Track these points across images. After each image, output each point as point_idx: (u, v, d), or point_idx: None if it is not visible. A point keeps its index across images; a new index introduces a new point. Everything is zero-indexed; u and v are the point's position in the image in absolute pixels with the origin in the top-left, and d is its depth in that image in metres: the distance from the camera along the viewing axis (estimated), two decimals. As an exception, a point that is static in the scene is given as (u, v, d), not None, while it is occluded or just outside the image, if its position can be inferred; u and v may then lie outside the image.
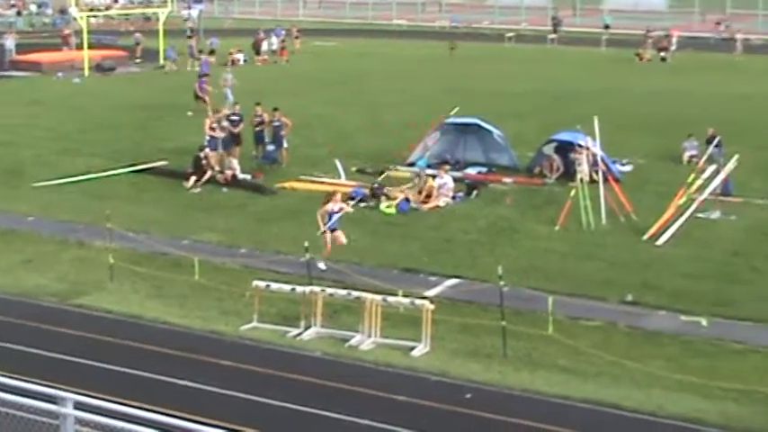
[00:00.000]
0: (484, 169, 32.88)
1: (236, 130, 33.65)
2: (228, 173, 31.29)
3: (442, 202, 28.73)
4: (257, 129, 33.99)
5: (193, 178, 30.85)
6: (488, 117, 35.49)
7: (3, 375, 10.64)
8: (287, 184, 30.94)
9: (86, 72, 56.78)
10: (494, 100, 46.32)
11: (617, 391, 16.65)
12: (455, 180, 30.03)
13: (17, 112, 44.20)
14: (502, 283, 18.49)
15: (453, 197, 29.22)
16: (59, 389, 9.79)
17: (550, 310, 18.71)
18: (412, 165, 32.59)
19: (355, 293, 19.40)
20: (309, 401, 16.14)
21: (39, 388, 9.77)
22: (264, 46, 65.86)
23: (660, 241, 24.92)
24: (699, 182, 27.56)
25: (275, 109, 34.15)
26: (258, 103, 34.75)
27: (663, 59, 65.29)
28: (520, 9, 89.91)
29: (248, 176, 31.71)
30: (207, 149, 31.74)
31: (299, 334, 19.21)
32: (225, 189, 30.62)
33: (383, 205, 28.25)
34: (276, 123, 33.63)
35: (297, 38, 70.90)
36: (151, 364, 17.60)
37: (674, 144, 34.86)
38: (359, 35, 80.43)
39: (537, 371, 17.54)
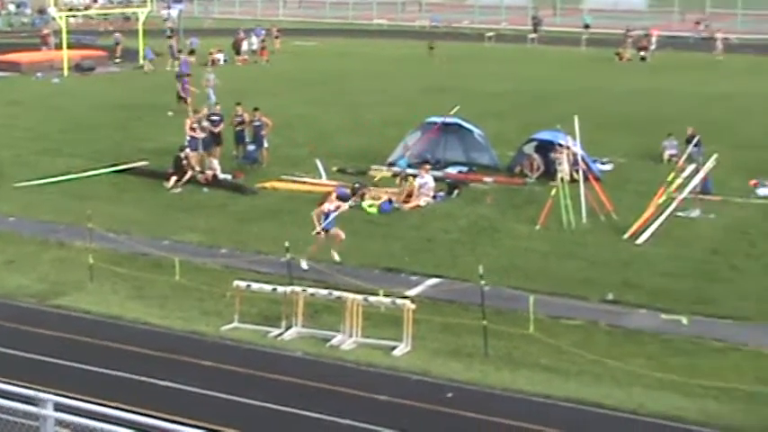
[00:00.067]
0: (464, 169, 32.90)
1: (216, 130, 33.59)
2: (209, 173, 31.22)
3: (422, 201, 28.73)
4: (238, 129, 33.94)
5: (174, 178, 30.77)
6: (469, 116, 35.50)
7: (-18, 377, 10.59)
8: (267, 184, 30.89)
9: (65, 72, 56.57)
10: (474, 99, 46.30)
11: (598, 390, 16.69)
12: (436, 179, 30.04)
13: (-4, 113, 44.02)
14: (483, 282, 18.51)
15: (434, 197, 29.23)
16: (39, 390, 9.73)
17: (531, 309, 18.72)
18: (393, 164, 32.63)
19: (336, 293, 19.39)
20: (290, 401, 16.12)
21: (18, 389, 9.72)
22: (245, 46, 65.74)
23: (640, 240, 25.00)
24: (678, 181, 27.66)
25: (256, 109, 34.10)
26: (238, 103, 34.70)
27: (642, 59, 65.48)
28: (500, 9, 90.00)
29: (229, 176, 31.65)
30: (187, 150, 31.67)
31: (280, 334, 19.19)
32: (205, 189, 30.56)
33: (366, 203, 28.21)
34: (256, 123, 33.58)
35: (277, 38, 70.79)
36: (131, 364, 17.54)
37: (654, 143, 34.96)
38: (339, 35, 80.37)
39: (518, 370, 17.57)
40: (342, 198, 28.35)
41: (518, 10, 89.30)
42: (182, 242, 25.16)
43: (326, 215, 23.02)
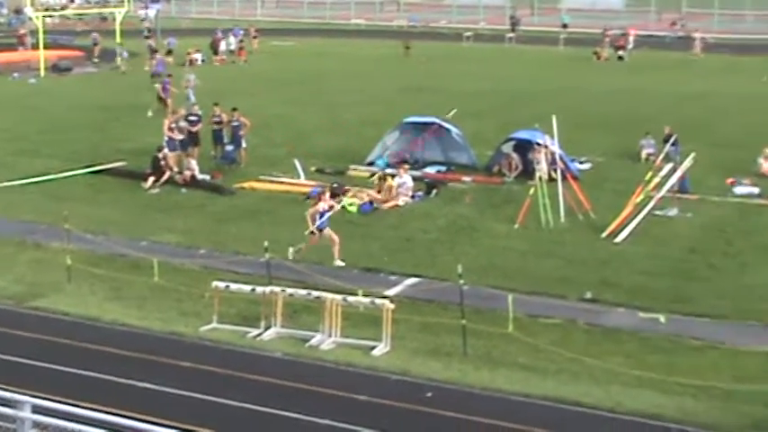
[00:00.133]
0: (443, 168, 32.93)
1: (194, 130, 33.51)
2: (187, 173, 31.15)
3: (401, 201, 28.73)
4: (216, 129, 33.88)
5: (152, 179, 30.69)
6: (447, 116, 35.56)
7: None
8: (246, 185, 30.84)
9: (42, 72, 56.35)
10: (452, 99, 46.32)
11: (576, 388, 16.73)
12: (414, 179, 30.05)
13: (-28, 114, 43.78)
14: (462, 281, 18.53)
15: (413, 196, 29.24)
16: (16, 392, 9.70)
17: (510, 308, 18.74)
18: (371, 164, 32.65)
19: (315, 293, 19.37)
20: (270, 402, 16.10)
21: (-5, 392, 9.69)
22: (222, 46, 65.60)
23: (618, 239, 25.08)
24: (656, 180, 27.79)
25: (234, 109, 34.05)
26: (216, 104, 34.65)
27: (620, 58, 65.73)
28: (478, 8, 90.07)
29: (207, 177, 31.58)
30: (165, 150, 31.60)
31: (259, 334, 19.16)
32: (183, 190, 30.49)
33: (346, 200, 28.14)
34: (235, 123, 33.53)
35: (255, 38, 70.70)
36: (110, 366, 17.47)
37: (632, 142, 35.10)
38: (317, 35, 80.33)
39: (497, 369, 17.59)
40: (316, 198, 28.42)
41: (496, 9, 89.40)
42: (160, 243, 25.09)
43: (321, 214, 22.93)
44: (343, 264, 22.75)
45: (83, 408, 9.55)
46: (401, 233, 26.05)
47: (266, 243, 20.73)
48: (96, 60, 62.17)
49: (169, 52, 61.70)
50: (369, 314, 19.11)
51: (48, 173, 31.75)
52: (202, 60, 61.75)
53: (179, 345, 18.74)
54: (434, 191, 29.98)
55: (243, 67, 62.04)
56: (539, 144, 30.21)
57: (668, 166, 29.34)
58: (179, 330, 19.43)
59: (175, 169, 31.29)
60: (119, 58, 59.30)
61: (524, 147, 31.46)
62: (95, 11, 78.54)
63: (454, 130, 33.71)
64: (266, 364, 17.90)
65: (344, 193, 28.67)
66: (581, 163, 32.93)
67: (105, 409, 13.94)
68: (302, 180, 31.06)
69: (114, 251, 24.00)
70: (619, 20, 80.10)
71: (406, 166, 30.36)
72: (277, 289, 19.65)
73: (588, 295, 21.12)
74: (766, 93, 49.12)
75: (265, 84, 53.37)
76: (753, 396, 16.25)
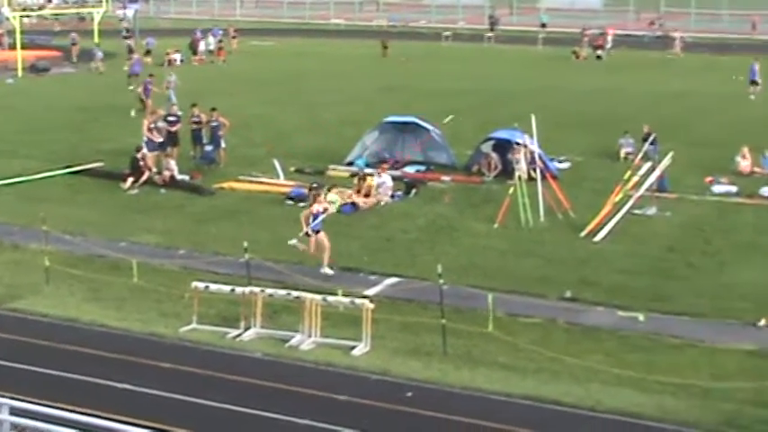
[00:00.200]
0: (422, 168, 32.94)
1: (173, 130, 33.42)
2: (166, 174, 31.06)
3: (382, 201, 28.69)
4: (195, 129, 33.80)
5: (130, 179, 30.60)
6: (426, 115, 35.63)
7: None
8: (225, 185, 30.78)
9: (20, 73, 56.08)
10: (431, 99, 46.43)
11: (556, 387, 16.76)
12: (394, 179, 30.05)
13: (-51, 114, 43.53)
14: (441, 281, 18.54)
15: (392, 196, 29.24)
16: (-6, 394, 9.65)
17: (490, 307, 18.76)
18: (351, 164, 32.64)
19: (295, 293, 19.35)
20: (250, 402, 16.07)
21: (-27, 394, 9.63)
22: (201, 46, 65.46)
23: (597, 238, 25.15)
24: (635, 179, 27.89)
25: (213, 109, 33.97)
26: (194, 105, 34.56)
27: (598, 58, 65.97)
28: (456, 8, 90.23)
29: (186, 177, 31.50)
30: (144, 150, 31.51)
31: (239, 335, 19.12)
32: (163, 190, 30.40)
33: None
34: (214, 123, 33.46)
35: (234, 38, 70.58)
36: (88, 367, 17.40)
37: (611, 141, 35.21)
38: (296, 35, 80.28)
39: (477, 368, 17.61)
40: (297, 198, 28.43)
41: (475, 9, 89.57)
42: (139, 243, 25.00)
43: (315, 216, 22.79)
44: (331, 273, 22.36)
45: (61, 409, 9.51)
46: (381, 233, 26.05)
47: (246, 243, 20.69)
48: (75, 60, 61.94)
49: (148, 52, 61.50)
50: (349, 314, 19.10)
51: (24, 173, 31.60)
52: (181, 60, 61.58)
53: (158, 346, 18.68)
54: (414, 190, 29.99)
55: (222, 68, 61.92)
56: (518, 143, 30.28)
57: (647, 165, 29.46)
58: (158, 331, 19.37)
59: (154, 170, 31.21)
60: (94, 60, 59.04)
61: (504, 146, 31.51)
62: (73, 11, 78.33)
63: (433, 129, 33.74)
64: (246, 364, 17.87)
65: (330, 189, 28.59)
66: (560, 162, 33.00)
67: (84, 410, 13.90)
68: (281, 180, 31.01)
69: (93, 252, 23.91)
70: (597, 19, 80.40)
71: (386, 166, 30.35)
72: (257, 289, 19.62)
73: (568, 294, 21.16)
74: (744, 92, 49.33)
75: (244, 84, 53.28)
76: (731, 393, 16.32)
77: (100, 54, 59.32)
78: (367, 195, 28.83)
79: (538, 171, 28.50)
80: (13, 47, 58.89)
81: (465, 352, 18.23)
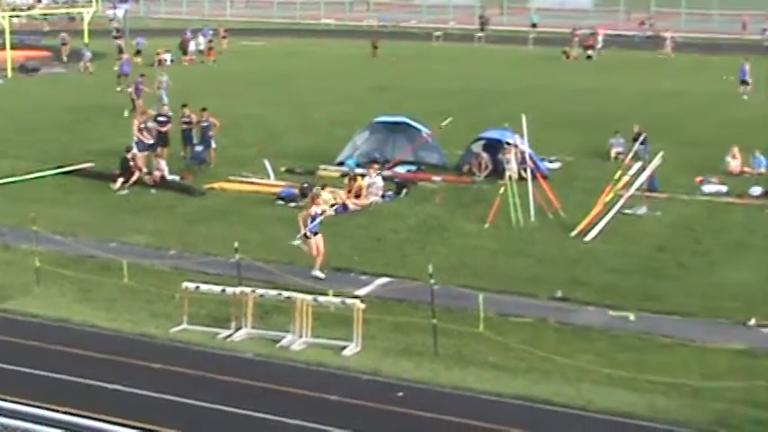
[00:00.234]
0: (413, 168, 32.93)
1: (163, 130, 33.40)
2: (156, 174, 31.02)
3: (371, 200, 28.68)
4: (185, 129, 33.76)
5: (121, 180, 30.55)
6: (417, 116, 35.65)
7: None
8: (216, 185, 30.75)
9: (9, 73, 55.94)
10: (422, 98, 46.45)
11: (548, 387, 16.77)
12: (384, 179, 30.04)
13: (-61, 115, 43.41)
14: (432, 281, 18.53)
15: (383, 196, 29.23)
16: (-16, 395, 9.63)
17: (481, 307, 18.78)
18: (341, 164, 32.63)
19: (286, 293, 19.33)
20: (241, 403, 16.05)
21: (-37, 395, 9.61)
22: (192, 46, 65.38)
23: (588, 237, 25.18)
24: (625, 178, 27.91)
25: (203, 109, 33.94)
26: (185, 105, 34.52)
27: (589, 57, 66.06)
28: (447, 8, 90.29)
29: (177, 177, 31.46)
30: (134, 150, 31.46)
31: (230, 335, 19.10)
32: (153, 190, 30.36)
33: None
34: (204, 124, 33.43)
35: (224, 38, 70.52)
36: (79, 368, 17.36)
37: (601, 141, 35.26)
38: (287, 35, 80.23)
39: (468, 368, 17.61)
40: (287, 198, 28.43)
41: (465, 9, 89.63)
42: (129, 244, 24.96)
43: (313, 218, 22.69)
44: (322, 276, 22.21)
45: (52, 410, 9.49)
46: (371, 233, 26.04)
47: (236, 244, 20.67)
48: (65, 60, 61.84)
49: (138, 53, 61.43)
50: (339, 314, 19.09)
51: (15, 174, 31.54)
52: (171, 61, 61.51)
53: (149, 346, 18.65)
54: (404, 190, 29.99)
55: (212, 68, 61.86)
56: (508, 143, 30.31)
57: (637, 165, 29.49)
58: (149, 332, 19.34)
59: (144, 170, 31.16)
60: (83, 60, 58.94)
61: (494, 146, 31.54)
62: (63, 11, 78.22)
63: (424, 129, 33.75)
64: (237, 364, 17.85)
65: (324, 187, 28.56)
66: (550, 162, 33.03)
67: (74, 411, 13.89)
68: (272, 180, 30.98)
69: (83, 252, 23.87)
70: (588, 19, 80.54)
71: (376, 166, 30.36)
72: (247, 290, 19.59)
73: (559, 294, 21.18)
74: (735, 92, 49.44)
75: (235, 84, 53.24)
76: (721, 393, 16.34)
77: (88, 54, 59.21)
78: (358, 195, 28.81)
79: (528, 171, 28.52)
80: (2, 47, 58.71)
81: (456, 352, 18.24)
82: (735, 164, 32.10)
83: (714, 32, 79.50)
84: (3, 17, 60.68)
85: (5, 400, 9.44)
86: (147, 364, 17.66)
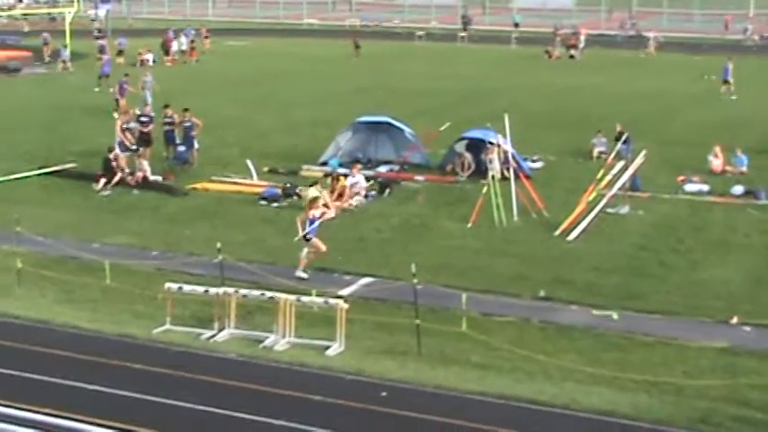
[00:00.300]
0: (396, 167, 32.92)
1: (145, 130, 33.32)
2: (139, 174, 30.92)
3: (354, 200, 28.67)
4: (167, 130, 33.68)
5: (103, 180, 30.44)
6: (399, 115, 35.66)
7: None
8: (198, 185, 30.67)
9: (-9, 73, 55.80)
10: (405, 98, 46.47)
11: (531, 386, 16.78)
12: (367, 179, 30.03)
13: None
14: (415, 280, 18.53)
15: (366, 196, 29.21)
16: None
17: (464, 306, 18.78)
18: (324, 164, 32.60)
19: (269, 294, 19.29)
20: (224, 403, 16.01)
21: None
22: (174, 46, 65.23)
23: (571, 237, 25.22)
24: (608, 178, 27.95)
25: (186, 109, 33.88)
26: (167, 105, 34.45)
27: (571, 57, 66.22)
28: (429, 8, 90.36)
29: (159, 178, 31.37)
30: (116, 151, 31.36)
31: (213, 336, 19.05)
32: (135, 191, 30.26)
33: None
34: (187, 124, 33.36)
35: (206, 38, 70.44)
36: (61, 369, 17.27)
37: (584, 140, 35.33)
38: (269, 35, 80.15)
39: (451, 367, 17.61)
40: (270, 199, 28.38)
41: (448, 9, 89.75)
42: (112, 245, 24.88)
43: (311, 221, 22.61)
44: (305, 276, 22.07)
45: (33, 412, 9.44)
46: (355, 233, 26.02)
47: (219, 244, 20.63)
48: (47, 61, 61.63)
49: (120, 53, 61.28)
50: (323, 314, 19.07)
51: (-3, 175, 31.46)
52: (154, 61, 61.35)
53: (132, 347, 18.58)
54: (387, 190, 29.97)
55: (194, 68, 61.75)
56: (491, 143, 30.32)
57: (620, 164, 29.52)
58: (132, 333, 19.27)
59: (127, 170, 31.06)
60: (61, 59, 58.78)
61: (477, 146, 31.55)
62: (44, 11, 77.97)
63: (407, 129, 33.75)
64: (220, 365, 17.80)
65: (312, 185, 28.50)
66: (533, 162, 33.08)
67: (56, 412, 13.84)
68: (255, 180, 30.93)
69: (65, 253, 23.77)
70: (570, 19, 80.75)
71: (359, 166, 30.34)
72: (230, 290, 19.55)
73: (542, 293, 21.20)
74: (716, 91, 49.63)
75: (217, 84, 53.16)
76: (704, 391, 16.39)
77: (65, 54, 59.05)
78: (341, 195, 28.78)
79: (511, 170, 28.54)
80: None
81: (439, 351, 18.23)
82: (717, 163, 32.21)
83: (696, 32, 79.79)
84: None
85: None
86: (130, 365, 17.58)
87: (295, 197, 28.77)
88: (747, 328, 19.37)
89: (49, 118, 42.27)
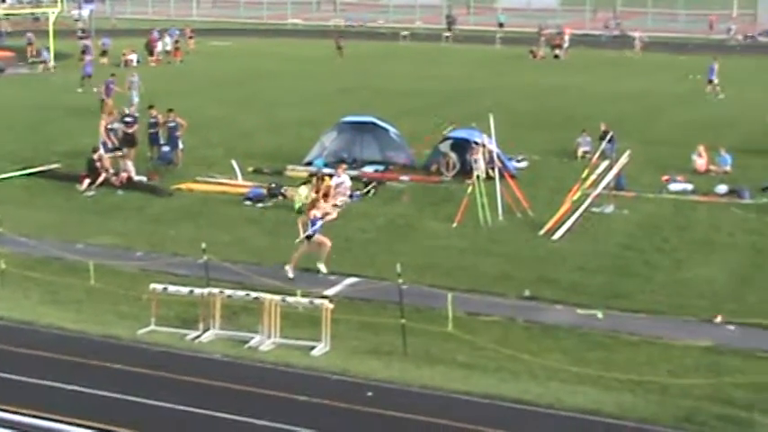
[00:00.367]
0: (381, 167, 32.92)
1: (130, 131, 33.24)
2: (123, 175, 30.83)
3: (339, 201, 28.65)
4: (152, 130, 33.59)
5: (87, 181, 30.36)
6: (384, 115, 35.64)
7: None
8: (183, 186, 30.61)
9: (-26, 74, 55.58)
10: (389, 98, 46.48)
11: (516, 386, 16.80)
12: (352, 179, 30.02)
13: None
14: (401, 280, 18.52)
15: (351, 196, 29.20)
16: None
17: (449, 306, 18.78)
18: (309, 164, 32.58)
19: (254, 294, 19.27)
20: (209, 404, 15.97)
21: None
22: (158, 46, 65.08)
23: (556, 236, 25.26)
24: (592, 177, 27.99)
25: (170, 110, 33.80)
26: (151, 106, 34.39)
27: (556, 57, 66.33)
28: (414, 8, 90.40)
29: (144, 178, 31.29)
30: (101, 151, 31.27)
31: (198, 336, 19.02)
32: (120, 191, 30.18)
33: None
34: (171, 124, 33.29)
35: (191, 38, 70.28)
36: (45, 370, 17.20)
37: (568, 140, 35.39)
38: (254, 35, 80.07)
39: (437, 367, 17.61)
40: (255, 199, 28.35)
41: (432, 9, 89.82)
42: (96, 245, 24.81)
43: (313, 222, 22.56)
44: (291, 275, 22.04)
45: (17, 413, 9.41)
46: (340, 233, 25.96)
47: (204, 244, 20.58)
48: (31, 61, 61.43)
49: (104, 53, 61.10)
50: (308, 314, 19.06)
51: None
52: (138, 61, 61.19)
53: (116, 348, 18.52)
54: (372, 190, 29.96)
55: (179, 68, 61.63)
56: (476, 143, 30.35)
57: (604, 164, 29.55)
58: (116, 333, 19.21)
59: (111, 171, 30.97)
60: (41, 59, 58.58)
61: (462, 146, 31.56)
62: (27, 11, 77.52)
63: (392, 129, 33.75)
64: (205, 365, 17.76)
65: (302, 184, 28.46)
66: (518, 161, 33.11)
67: (41, 414, 13.79)
68: (240, 181, 30.88)
69: (49, 254, 23.69)
70: (554, 19, 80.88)
71: (344, 166, 30.33)
72: (215, 290, 19.51)
73: (527, 293, 21.23)
74: (701, 91, 49.80)
75: (202, 84, 53.08)
76: (688, 390, 16.43)
77: (46, 54, 58.88)
78: (326, 195, 28.72)
79: (496, 170, 28.54)
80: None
81: (425, 351, 18.23)
82: (701, 162, 32.30)
83: (681, 32, 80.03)
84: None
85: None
86: (114, 366, 17.53)
87: (280, 197, 28.82)
88: (731, 327, 19.42)
89: (32, 118, 42.13)
